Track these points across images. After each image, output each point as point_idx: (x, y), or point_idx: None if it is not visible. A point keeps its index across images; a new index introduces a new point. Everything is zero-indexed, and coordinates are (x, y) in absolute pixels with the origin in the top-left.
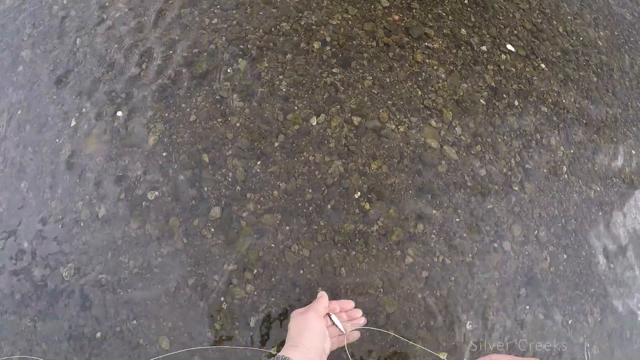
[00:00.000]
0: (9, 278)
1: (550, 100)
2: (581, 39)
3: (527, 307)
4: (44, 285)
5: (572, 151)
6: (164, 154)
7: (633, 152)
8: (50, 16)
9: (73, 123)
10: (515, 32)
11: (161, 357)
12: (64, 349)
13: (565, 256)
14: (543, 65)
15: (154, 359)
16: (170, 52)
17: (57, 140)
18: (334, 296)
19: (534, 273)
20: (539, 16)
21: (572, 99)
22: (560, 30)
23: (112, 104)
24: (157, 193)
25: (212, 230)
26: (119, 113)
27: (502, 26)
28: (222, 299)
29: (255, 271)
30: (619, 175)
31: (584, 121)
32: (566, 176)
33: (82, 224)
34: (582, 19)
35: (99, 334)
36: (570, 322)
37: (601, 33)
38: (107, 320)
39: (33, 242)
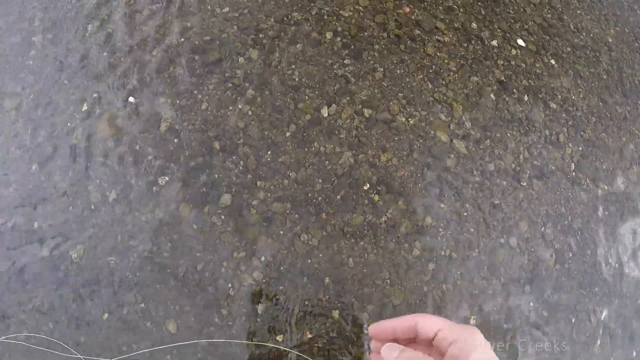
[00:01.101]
0: (18, 258)
1: (559, 96)
2: (591, 35)
3: (531, 304)
4: (53, 265)
5: (580, 148)
6: (176, 140)
7: None
8: (62, 1)
9: (85, 107)
10: (526, 27)
11: (168, 347)
12: (71, 329)
13: (570, 254)
14: (553, 61)
15: (159, 347)
16: (182, 39)
17: (68, 124)
18: (340, 287)
19: (539, 270)
20: (550, 11)
21: (581, 96)
22: (571, 26)
23: (125, 90)
24: (167, 179)
25: (222, 217)
26: (131, 99)
27: (513, 20)
28: (230, 285)
29: (264, 259)
30: (626, 174)
31: (593, 118)
32: (574, 174)
33: (92, 207)
34: (592, 15)
35: (106, 315)
36: (573, 320)
37: (611, 30)
38: (115, 302)
39: (43, 223)
